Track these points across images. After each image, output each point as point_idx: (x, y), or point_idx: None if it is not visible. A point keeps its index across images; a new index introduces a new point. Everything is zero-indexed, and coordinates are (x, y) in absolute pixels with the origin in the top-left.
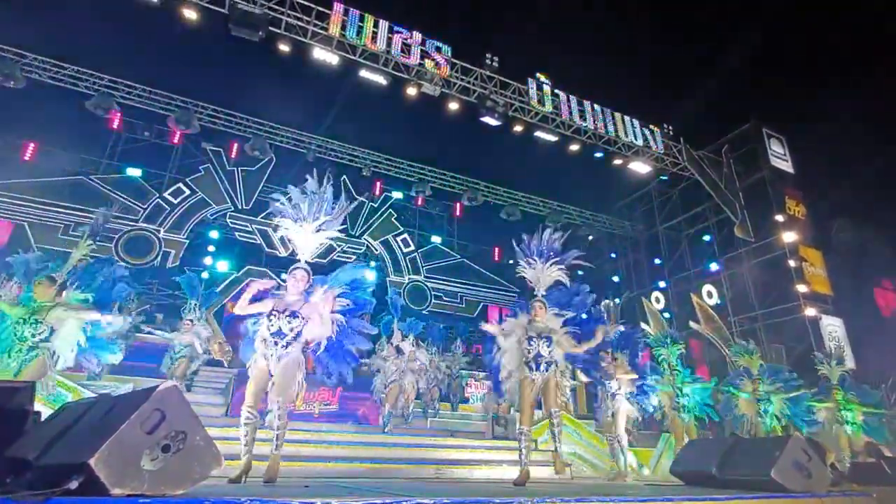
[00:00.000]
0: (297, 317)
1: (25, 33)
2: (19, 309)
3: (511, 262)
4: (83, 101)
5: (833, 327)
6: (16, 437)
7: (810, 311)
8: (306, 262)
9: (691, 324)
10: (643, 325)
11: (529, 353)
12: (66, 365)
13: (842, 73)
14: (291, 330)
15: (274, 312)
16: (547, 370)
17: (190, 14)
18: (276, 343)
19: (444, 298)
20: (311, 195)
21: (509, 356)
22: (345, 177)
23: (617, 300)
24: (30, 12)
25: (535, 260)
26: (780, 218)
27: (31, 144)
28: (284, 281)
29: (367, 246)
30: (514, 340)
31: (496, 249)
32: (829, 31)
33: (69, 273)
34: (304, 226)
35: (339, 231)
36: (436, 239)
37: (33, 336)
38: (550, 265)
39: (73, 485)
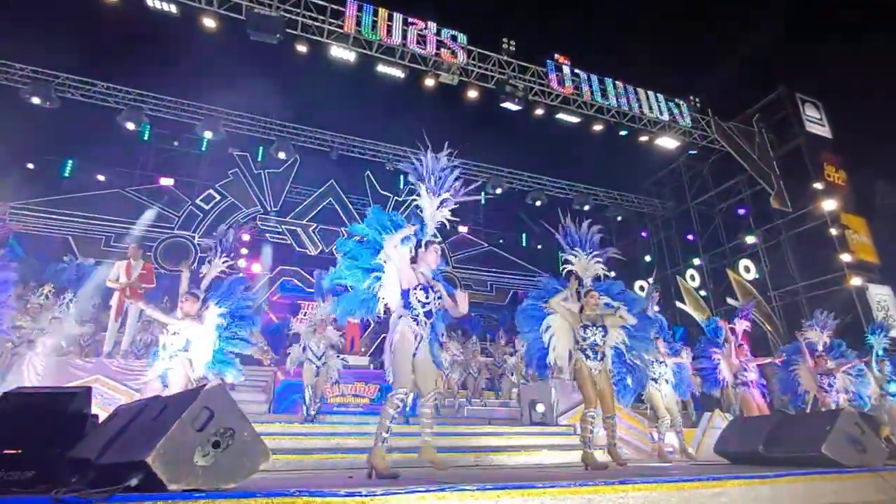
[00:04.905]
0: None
1: (56, 55)
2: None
3: (539, 247)
4: (114, 116)
5: (881, 296)
6: (77, 440)
7: (856, 281)
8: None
9: (729, 300)
10: (679, 304)
11: (585, 340)
12: (199, 375)
13: (875, 25)
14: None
15: (420, 288)
16: (602, 359)
17: (209, 23)
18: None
19: (474, 287)
20: (440, 167)
21: (560, 338)
22: (368, 172)
23: (650, 280)
24: (60, 35)
25: (579, 251)
26: (818, 185)
27: (70, 161)
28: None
29: None
30: (566, 324)
31: (523, 235)
32: None
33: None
34: (432, 199)
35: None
36: (462, 228)
37: (172, 345)
38: (592, 259)
39: (133, 482)
